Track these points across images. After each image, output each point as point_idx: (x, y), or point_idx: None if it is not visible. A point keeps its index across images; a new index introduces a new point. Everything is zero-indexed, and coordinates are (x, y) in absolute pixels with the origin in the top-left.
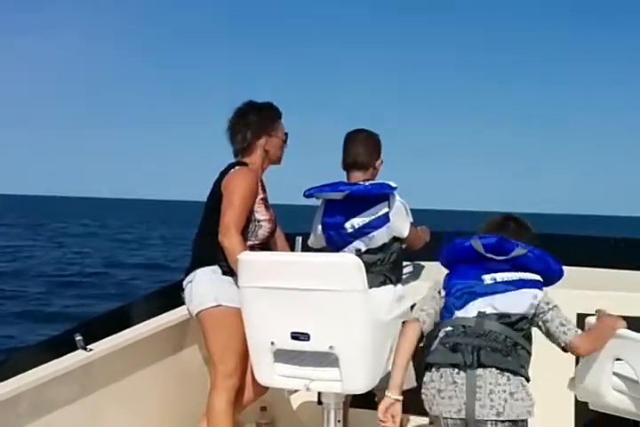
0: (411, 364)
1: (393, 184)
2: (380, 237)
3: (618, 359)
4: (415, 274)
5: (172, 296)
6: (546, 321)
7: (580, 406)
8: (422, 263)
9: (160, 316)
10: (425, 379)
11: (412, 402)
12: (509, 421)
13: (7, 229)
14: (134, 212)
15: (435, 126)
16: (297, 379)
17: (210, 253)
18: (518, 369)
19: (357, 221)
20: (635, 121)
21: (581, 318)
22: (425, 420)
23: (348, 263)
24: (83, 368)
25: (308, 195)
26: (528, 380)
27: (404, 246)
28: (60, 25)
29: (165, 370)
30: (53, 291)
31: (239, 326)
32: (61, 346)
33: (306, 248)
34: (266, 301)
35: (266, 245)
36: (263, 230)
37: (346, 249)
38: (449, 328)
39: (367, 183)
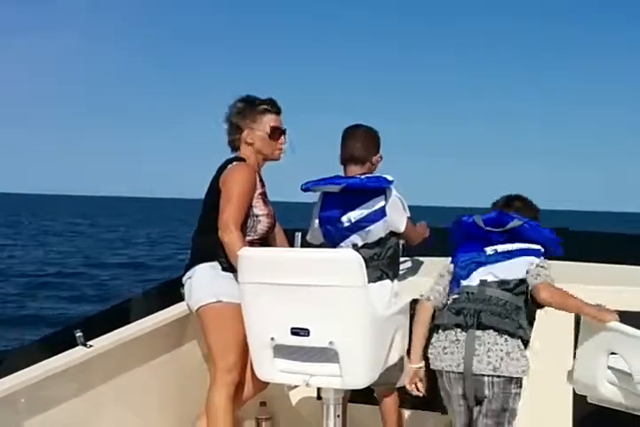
0: (407, 361)
1: (389, 178)
2: (376, 231)
3: (613, 353)
4: (414, 269)
5: (172, 292)
6: (529, 274)
7: (579, 399)
8: (421, 259)
9: (160, 312)
10: (432, 339)
11: (410, 397)
12: (504, 377)
13: None
14: (129, 210)
15: (435, 125)
16: (297, 374)
17: (209, 249)
18: (516, 331)
19: (354, 215)
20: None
21: None
22: (422, 414)
23: (348, 259)
24: (83, 364)
25: (304, 188)
26: (527, 342)
27: (402, 242)
28: (59, 25)
29: (165, 366)
30: (28, 293)
31: (239, 321)
32: (61, 342)
33: (305, 244)
34: (266, 296)
35: (265, 240)
36: (262, 225)
37: (342, 244)
38: (456, 296)
39: (363, 176)
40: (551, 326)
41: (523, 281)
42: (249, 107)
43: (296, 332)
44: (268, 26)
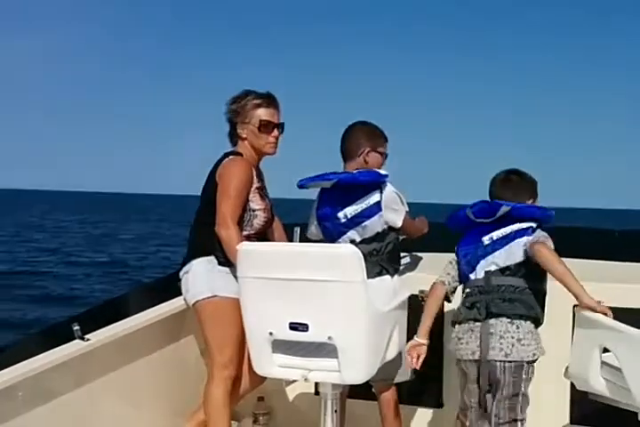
0: (406, 355)
1: (383, 172)
2: (372, 226)
3: (607, 350)
4: (413, 265)
5: (170, 287)
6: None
7: (576, 392)
8: (420, 254)
9: (157, 306)
10: (452, 334)
11: (408, 393)
12: (516, 362)
13: None
14: (120, 206)
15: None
16: (295, 369)
17: (206, 243)
18: (526, 312)
19: (350, 211)
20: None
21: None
22: (419, 410)
23: (347, 254)
24: (80, 358)
25: (300, 185)
26: (539, 321)
27: (401, 237)
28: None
29: (162, 360)
30: None
31: (236, 316)
32: (59, 336)
33: (304, 239)
34: (265, 291)
35: (263, 235)
36: (259, 220)
37: (340, 240)
38: (467, 290)
39: (355, 171)
40: (549, 320)
41: (522, 263)
42: (241, 102)
43: (295, 327)
44: (268, 24)
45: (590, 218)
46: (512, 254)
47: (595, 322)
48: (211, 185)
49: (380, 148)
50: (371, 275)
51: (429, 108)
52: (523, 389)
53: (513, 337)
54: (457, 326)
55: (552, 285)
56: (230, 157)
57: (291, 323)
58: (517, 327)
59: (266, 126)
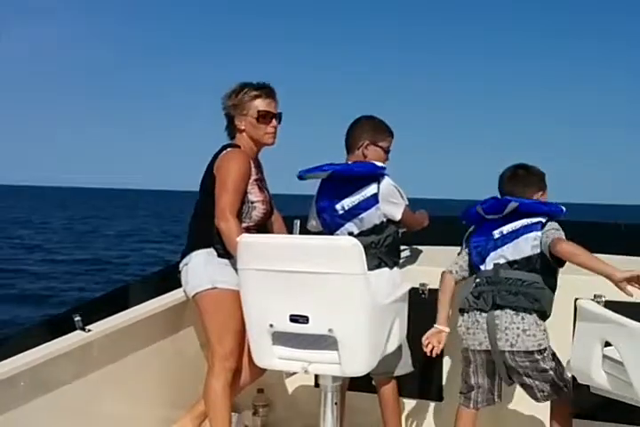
0: (407, 349)
1: (379, 164)
2: (369, 218)
3: (609, 344)
4: (413, 258)
5: (170, 278)
6: (542, 243)
7: (577, 388)
8: (420, 247)
9: (158, 297)
10: (459, 321)
11: (408, 386)
12: (523, 351)
13: None
14: (110, 201)
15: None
16: (295, 361)
17: (205, 235)
18: (531, 305)
19: (347, 203)
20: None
21: None
22: (420, 403)
23: (347, 246)
24: (81, 349)
25: (298, 176)
26: (545, 314)
27: (401, 230)
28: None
29: (163, 351)
30: None
31: (235, 307)
32: (60, 326)
33: (304, 231)
34: (265, 283)
35: (262, 227)
36: (257, 212)
37: (338, 232)
38: (477, 280)
39: (351, 162)
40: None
41: (530, 258)
42: (239, 94)
43: (295, 319)
44: (267, 19)
45: (590, 213)
46: (520, 249)
47: (597, 315)
48: (209, 178)
49: (381, 142)
50: (369, 267)
51: (428, 107)
52: (543, 364)
53: (518, 328)
54: (465, 314)
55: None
56: (228, 149)
57: (291, 315)
58: (522, 319)
59: (264, 117)
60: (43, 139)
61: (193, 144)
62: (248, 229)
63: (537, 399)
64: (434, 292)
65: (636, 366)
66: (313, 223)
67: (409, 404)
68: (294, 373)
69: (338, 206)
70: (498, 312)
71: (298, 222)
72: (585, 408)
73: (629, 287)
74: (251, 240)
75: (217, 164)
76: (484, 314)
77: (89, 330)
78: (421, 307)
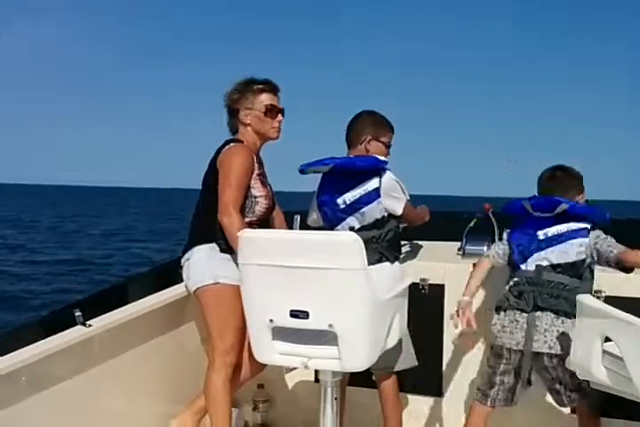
0: (411, 344)
1: (381, 158)
2: (370, 212)
3: (608, 339)
4: (414, 253)
5: (171, 273)
6: (598, 253)
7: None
8: (421, 242)
9: (159, 293)
10: (494, 319)
11: (412, 381)
12: (559, 354)
13: None
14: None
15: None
16: (295, 357)
17: (207, 230)
18: (572, 310)
19: (348, 197)
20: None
21: None
22: (419, 399)
23: (348, 241)
24: (82, 344)
25: (300, 170)
26: None
27: (402, 225)
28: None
29: (163, 346)
30: None
31: (237, 303)
32: (61, 322)
33: (304, 227)
34: (265, 278)
35: (264, 222)
36: (260, 207)
37: (339, 227)
38: (516, 279)
39: (352, 155)
40: None
41: (575, 264)
42: (245, 88)
43: (295, 314)
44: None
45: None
46: (565, 253)
47: (596, 311)
48: (212, 173)
49: (383, 137)
50: (370, 262)
51: (429, 106)
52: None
53: (557, 331)
54: (502, 313)
55: None
56: (231, 144)
57: (291, 310)
58: (562, 322)
59: (271, 111)
60: (41, 138)
61: (193, 143)
62: (251, 224)
63: (562, 404)
64: (434, 287)
65: (636, 361)
66: (314, 217)
67: (408, 399)
68: (294, 368)
69: (339, 200)
70: (539, 313)
71: (298, 218)
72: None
73: None
74: (251, 235)
75: (220, 158)
76: (524, 314)
77: (89, 325)
78: (421, 302)
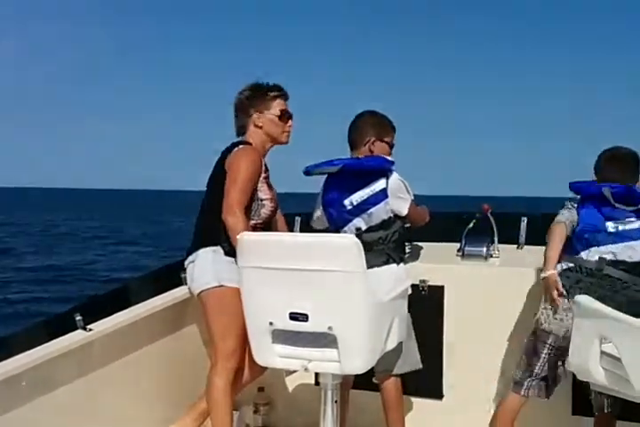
0: (414, 346)
1: (389, 158)
2: (378, 213)
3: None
4: (413, 254)
5: (171, 276)
6: None
7: (577, 385)
8: (420, 244)
9: (159, 296)
10: (543, 304)
11: (415, 384)
12: None
13: None
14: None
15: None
16: (295, 359)
17: (212, 233)
18: (627, 308)
19: (355, 198)
20: None
21: None
22: (420, 401)
23: (346, 244)
24: (82, 348)
25: (305, 171)
26: (638, 316)
27: (406, 225)
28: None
29: (164, 350)
30: None
31: (240, 306)
32: (61, 326)
33: (305, 229)
34: (265, 281)
35: (267, 224)
36: (266, 209)
37: (346, 228)
38: (571, 265)
39: (361, 156)
40: None
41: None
42: (259, 92)
43: (295, 317)
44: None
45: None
46: (633, 251)
47: (593, 311)
48: (219, 174)
49: (386, 137)
50: (377, 263)
51: (430, 104)
52: None
53: None
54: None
55: None
56: (240, 146)
57: (291, 313)
58: None
59: (284, 116)
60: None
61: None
62: (255, 227)
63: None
64: (434, 288)
65: (633, 361)
66: (319, 218)
67: (409, 402)
68: (294, 371)
69: (346, 202)
70: None
71: (299, 220)
72: (585, 406)
73: None
74: (250, 238)
75: (229, 159)
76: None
77: (90, 329)
78: (421, 304)
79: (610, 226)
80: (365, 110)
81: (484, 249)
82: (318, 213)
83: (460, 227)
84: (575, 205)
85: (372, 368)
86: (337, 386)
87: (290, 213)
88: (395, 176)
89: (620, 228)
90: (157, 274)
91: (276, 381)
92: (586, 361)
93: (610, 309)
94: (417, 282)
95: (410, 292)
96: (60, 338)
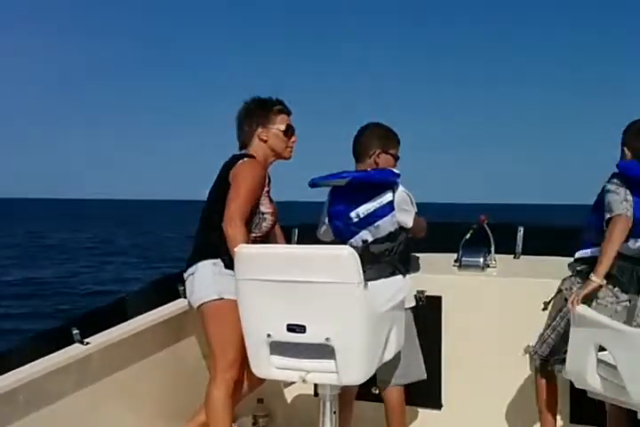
0: (418, 356)
1: (396, 171)
2: (385, 226)
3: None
4: (411, 265)
5: (169, 289)
6: None
7: (575, 393)
8: (417, 254)
9: (157, 309)
10: (600, 293)
11: (414, 394)
12: None
13: None
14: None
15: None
16: (293, 371)
17: (212, 245)
18: None
19: (362, 210)
20: None
21: None
22: (419, 411)
23: (343, 255)
24: (80, 362)
25: (312, 184)
26: None
27: (409, 236)
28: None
29: (162, 363)
30: None
31: (240, 318)
32: (58, 340)
33: (302, 240)
34: (262, 293)
35: (267, 237)
36: (266, 223)
37: (352, 240)
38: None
39: (369, 169)
40: None
41: None
42: (264, 106)
43: (292, 328)
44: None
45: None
46: None
47: (590, 320)
48: (221, 186)
49: (391, 150)
50: (384, 275)
51: (428, 112)
52: None
53: None
54: (610, 287)
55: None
56: (245, 159)
57: (288, 324)
58: None
59: (289, 131)
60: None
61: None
62: (255, 240)
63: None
64: (431, 299)
65: (629, 369)
66: (324, 232)
67: (408, 412)
68: (293, 382)
69: (352, 214)
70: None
71: (296, 232)
72: (583, 414)
73: None
74: (247, 251)
75: (234, 171)
76: (623, 294)
77: (87, 343)
78: (419, 314)
79: None
80: (371, 122)
81: (482, 259)
82: (324, 225)
83: (456, 237)
84: (624, 189)
85: (374, 378)
86: (335, 397)
87: (287, 225)
88: (401, 189)
89: None
90: (156, 286)
91: (276, 392)
92: (583, 369)
93: (605, 317)
94: (415, 293)
95: (413, 304)
96: (58, 352)
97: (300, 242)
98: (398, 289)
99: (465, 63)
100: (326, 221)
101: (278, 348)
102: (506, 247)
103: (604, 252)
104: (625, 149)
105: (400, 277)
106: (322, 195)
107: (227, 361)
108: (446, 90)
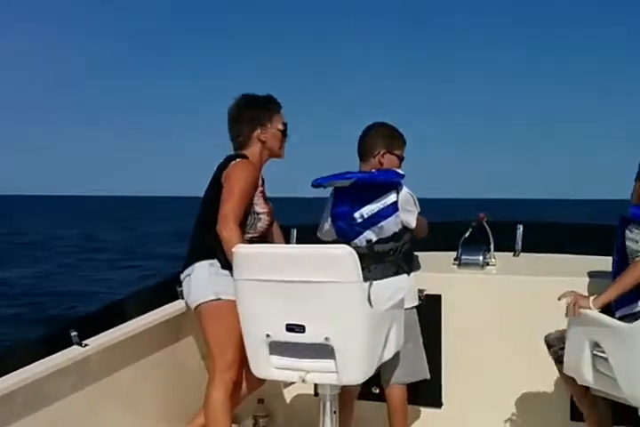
0: (421, 355)
1: (400, 171)
2: (389, 226)
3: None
4: (414, 265)
5: (167, 290)
6: None
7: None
8: (416, 253)
9: (155, 310)
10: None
11: (414, 392)
12: None
13: None
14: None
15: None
16: (292, 371)
17: (208, 246)
18: None
19: (366, 211)
20: None
21: None
22: (419, 410)
23: (341, 254)
24: (78, 364)
25: (315, 184)
26: None
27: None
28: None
29: (161, 364)
30: None
31: (238, 319)
32: (57, 342)
33: (301, 240)
34: (261, 293)
35: (264, 237)
36: (262, 223)
37: (357, 240)
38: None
39: (374, 170)
40: None
41: None
42: (259, 106)
43: (291, 328)
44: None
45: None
46: None
47: (585, 316)
48: (215, 187)
49: (396, 150)
50: (388, 274)
51: (427, 112)
52: None
53: None
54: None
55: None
56: (237, 159)
57: (287, 324)
58: None
59: (286, 130)
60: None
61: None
62: (252, 240)
63: None
64: (431, 297)
65: (621, 363)
66: (327, 231)
67: (422, 412)
68: (292, 382)
69: (356, 214)
70: None
71: (295, 231)
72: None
73: None
74: (245, 251)
75: (227, 172)
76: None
77: (85, 345)
78: (419, 313)
79: None
80: (376, 122)
81: (481, 257)
82: (327, 225)
83: (456, 235)
84: None
85: (375, 378)
86: (336, 397)
87: (286, 224)
88: (405, 190)
89: None
90: (153, 288)
91: (276, 392)
92: (580, 365)
93: (597, 313)
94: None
95: (417, 303)
96: (56, 354)
97: (299, 242)
98: (398, 288)
99: (465, 63)
100: (329, 221)
101: (277, 348)
102: (505, 245)
103: (619, 285)
104: (637, 183)
105: (404, 276)
106: (322, 192)
107: (225, 362)
108: (446, 90)
